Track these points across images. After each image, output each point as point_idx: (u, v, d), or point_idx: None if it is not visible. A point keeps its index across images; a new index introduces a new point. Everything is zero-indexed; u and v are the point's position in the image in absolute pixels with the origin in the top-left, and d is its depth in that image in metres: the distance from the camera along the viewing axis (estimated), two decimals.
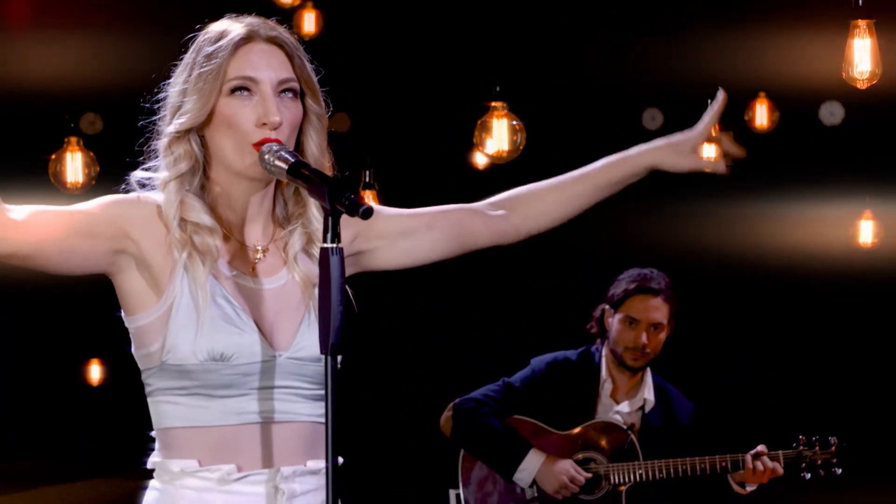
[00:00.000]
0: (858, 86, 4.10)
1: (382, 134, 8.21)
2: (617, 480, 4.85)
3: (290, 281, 2.48)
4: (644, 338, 4.88)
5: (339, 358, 2.33)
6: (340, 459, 2.35)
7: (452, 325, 9.13)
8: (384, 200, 6.53)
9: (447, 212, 2.69)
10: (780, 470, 4.80)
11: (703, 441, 4.91)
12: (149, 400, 2.46)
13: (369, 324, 9.26)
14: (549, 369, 4.97)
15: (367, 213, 2.19)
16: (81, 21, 6.94)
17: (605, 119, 8.10)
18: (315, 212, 2.48)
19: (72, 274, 2.39)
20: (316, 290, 2.33)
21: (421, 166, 8.20)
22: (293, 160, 2.32)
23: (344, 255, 2.23)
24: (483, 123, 5.14)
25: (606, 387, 4.96)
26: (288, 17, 7.02)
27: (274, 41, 2.45)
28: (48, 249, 2.32)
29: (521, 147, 5.08)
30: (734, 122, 7.18)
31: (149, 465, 2.48)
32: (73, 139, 6.58)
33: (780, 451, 4.83)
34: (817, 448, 4.90)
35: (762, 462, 4.77)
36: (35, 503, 8.09)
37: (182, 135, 2.44)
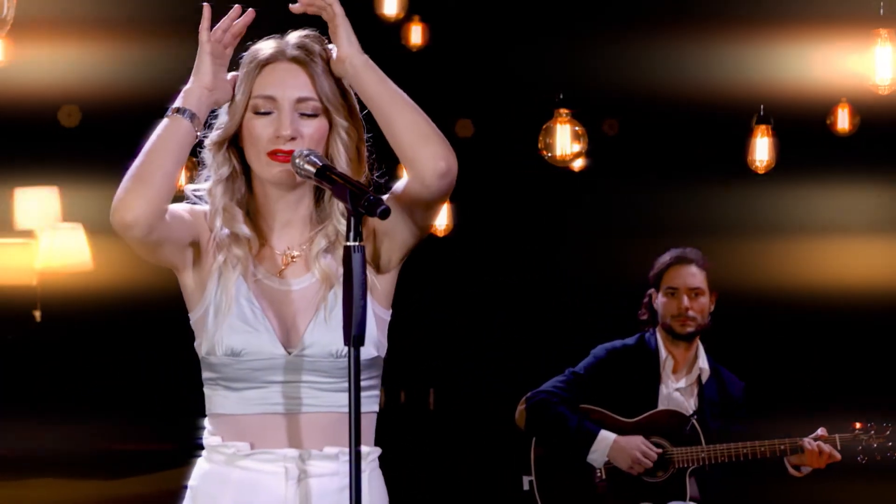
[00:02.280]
0: (880, 92, 4.25)
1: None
2: (681, 464, 4.99)
3: (313, 282, 2.62)
4: (685, 301, 5.08)
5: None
6: (366, 448, 2.58)
7: (516, 321, 9.37)
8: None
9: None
10: (838, 455, 4.91)
11: (754, 417, 5.07)
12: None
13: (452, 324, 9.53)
14: (610, 355, 5.16)
15: (385, 213, 2.34)
16: None
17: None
18: (338, 213, 2.61)
19: (158, 262, 2.61)
20: (332, 290, 2.56)
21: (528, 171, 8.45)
22: (321, 164, 2.48)
23: (366, 253, 2.38)
24: (547, 129, 5.42)
25: (668, 364, 5.12)
26: (394, 31, 7.24)
27: (297, 61, 2.60)
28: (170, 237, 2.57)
29: (583, 152, 5.36)
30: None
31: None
32: None
33: (837, 435, 4.95)
34: (873, 433, 5.00)
35: (820, 446, 4.89)
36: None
37: (219, 144, 2.63)
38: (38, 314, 9.28)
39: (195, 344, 2.63)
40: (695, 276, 5.14)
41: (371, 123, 2.65)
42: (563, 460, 5.12)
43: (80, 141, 9.17)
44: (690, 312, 5.09)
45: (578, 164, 7.36)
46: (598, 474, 5.07)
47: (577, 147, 5.40)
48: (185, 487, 2.68)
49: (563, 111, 5.42)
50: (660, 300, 5.17)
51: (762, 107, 5.52)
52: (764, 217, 8.82)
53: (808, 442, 4.93)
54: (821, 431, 4.96)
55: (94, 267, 8.78)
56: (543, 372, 5.24)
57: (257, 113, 2.59)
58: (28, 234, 9.16)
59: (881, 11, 4.34)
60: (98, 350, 9.02)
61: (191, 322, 2.65)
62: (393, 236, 2.61)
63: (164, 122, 2.54)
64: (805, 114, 7.03)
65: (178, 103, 2.55)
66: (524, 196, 9.45)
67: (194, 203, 2.67)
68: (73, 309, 8.80)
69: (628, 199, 9.20)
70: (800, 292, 8.57)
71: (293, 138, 2.55)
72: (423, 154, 2.52)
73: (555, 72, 7.23)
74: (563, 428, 5.06)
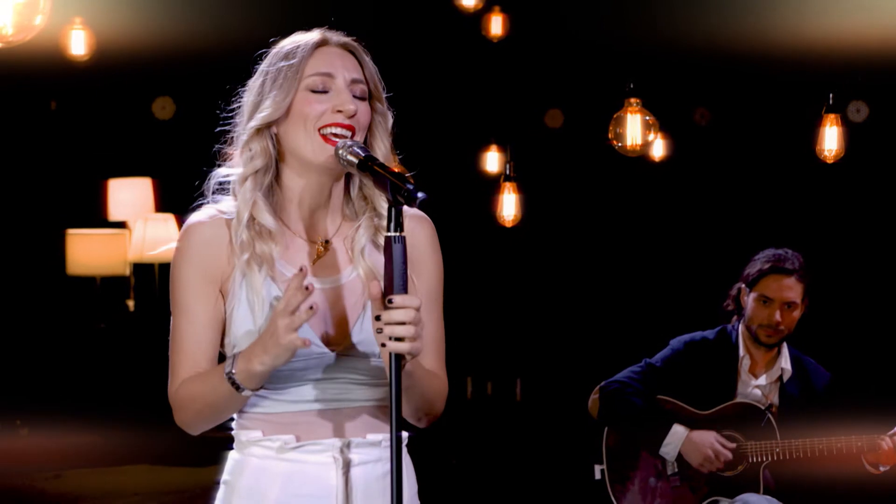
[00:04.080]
0: None
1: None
2: (755, 459, 4.93)
3: (352, 278, 2.59)
4: (778, 315, 4.95)
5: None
6: (406, 434, 2.54)
7: (594, 311, 9.33)
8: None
9: None
10: None
11: (838, 410, 4.96)
12: None
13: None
14: (688, 348, 5.08)
15: (424, 204, 2.34)
16: None
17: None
18: (382, 205, 2.57)
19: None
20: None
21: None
22: (364, 154, 2.46)
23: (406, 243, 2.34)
24: (618, 118, 5.39)
25: (745, 363, 5.04)
26: (474, 21, 7.26)
27: (346, 47, 2.61)
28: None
29: (654, 141, 5.32)
30: None
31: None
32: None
33: None
34: None
35: (895, 442, 4.80)
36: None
37: (260, 131, 2.57)
38: (131, 304, 9.45)
39: (225, 342, 2.60)
40: (792, 288, 4.99)
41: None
42: (635, 450, 5.09)
43: (173, 133, 9.31)
44: (781, 326, 4.98)
45: (659, 153, 7.32)
46: (671, 466, 5.02)
47: (649, 136, 5.36)
48: (218, 483, 2.66)
49: (634, 100, 5.38)
50: (750, 302, 5.04)
51: (831, 95, 5.42)
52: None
53: (884, 440, 4.84)
54: None
55: None
56: (624, 363, 5.20)
57: (314, 91, 2.55)
58: (121, 224, 9.33)
59: None
60: None
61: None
62: None
63: (226, 393, 2.48)
64: None
65: (243, 381, 2.45)
66: (607, 185, 9.43)
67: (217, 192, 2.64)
68: (166, 299, 8.91)
69: (712, 189, 9.14)
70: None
71: (354, 114, 2.54)
72: (413, 420, 2.61)
73: (641, 59, 7.20)
74: (637, 418, 5.03)
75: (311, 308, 2.36)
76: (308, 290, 2.37)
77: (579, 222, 9.61)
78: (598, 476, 5.12)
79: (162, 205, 9.29)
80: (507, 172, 6.19)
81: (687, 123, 9.36)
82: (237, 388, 2.46)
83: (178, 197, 8.42)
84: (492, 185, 6.89)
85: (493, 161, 8.15)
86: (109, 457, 8.47)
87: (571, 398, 5.27)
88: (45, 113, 9.54)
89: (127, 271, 9.16)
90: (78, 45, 7.04)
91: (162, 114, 9.62)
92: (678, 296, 8.58)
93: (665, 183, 9.12)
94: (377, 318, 2.36)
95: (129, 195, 9.30)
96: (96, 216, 9.52)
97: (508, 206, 6.21)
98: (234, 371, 2.45)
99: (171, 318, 2.59)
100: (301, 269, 2.39)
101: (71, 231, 9.34)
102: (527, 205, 6.54)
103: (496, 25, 7.21)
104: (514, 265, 9.74)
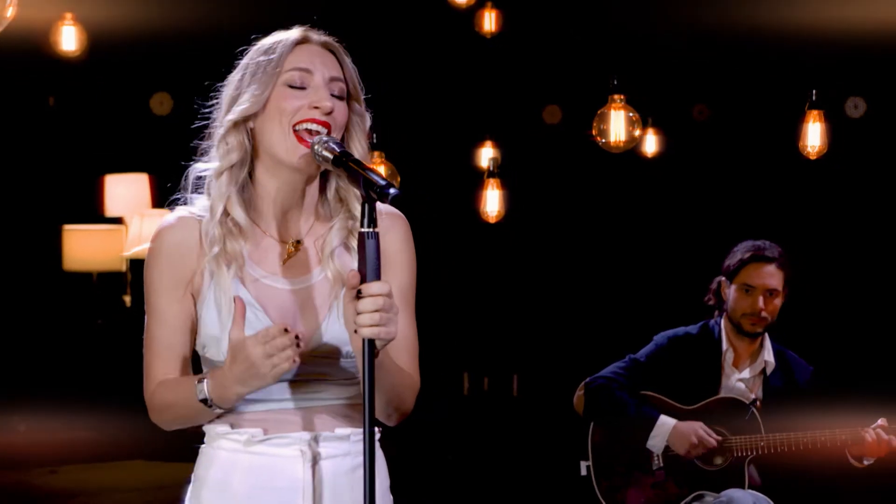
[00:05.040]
0: None
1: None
2: (740, 453, 4.95)
3: (321, 279, 2.60)
4: (760, 302, 4.99)
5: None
6: (378, 429, 2.55)
7: (591, 306, 9.35)
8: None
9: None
10: None
11: (821, 403, 4.98)
12: None
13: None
14: (671, 343, 5.11)
15: (396, 200, 2.32)
16: None
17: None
18: (356, 206, 2.58)
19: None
20: (343, 288, 2.46)
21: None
22: (339, 150, 2.47)
23: (379, 239, 2.34)
24: (601, 115, 5.40)
25: (728, 356, 5.07)
26: (466, 18, 7.29)
27: (326, 46, 2.62)
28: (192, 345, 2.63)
29: (640, 137, 5.33)
30: None
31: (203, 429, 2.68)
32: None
33: None
34: None
35: (879, 434, 4.81)
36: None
37: (238, 124, 2.58)
38: (127, 299, 9.46)
39: (196, 342, 2.62)
40: (773, 276, 5.04)
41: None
42: (620, 446, 5.11)
43: (170, 129, 9.32)
44: (763, 313, 5.02)
45: (652, 149, 7.34)
46: (656, 461, 5.04)
47: (634, 133, 5.37)
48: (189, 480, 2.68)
49: (618, 97, 5.39)
50: (732, 293, 5.09)
51: (814, 92, 5.44)
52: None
53: (868, 432, 4.86)
54: (882, 421, 4.88)
55: None
56: (620, 358, 5.22)
57: (291, 87, 2.56)
58: (118, 220, 9.34)
59: None
60: None
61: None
62: None
63: (196, 406, 2.52)
64: None
65: (214, 398, 2.49)
66: (603, 182, 9.45)
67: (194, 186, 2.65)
68: None
69: (703, 185, 9.16)
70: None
71: (331, 111, 2.55)
72: (383, 417, 2.60)
73: (632, 54, 7.21)
74: (623, 413, 5.05)
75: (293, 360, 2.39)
76: (290, 332, 2.39)
77: (575, 218, 9.65)
78: (583, 472, 5.14)
79: (158, 200, 9.30)
80: (491, 168, 6.21)
81: (681, 120, 9.37)
82: (209, 405, 2.51)
83: (175, 193, 8.54)
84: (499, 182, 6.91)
85: (487, 157, 8.18)
86: (106, 452, 8.52)
87: (567, 393, 5.27)
88: (42, 109, 9.57)
89: (123, 267, 9.17)
90: (69, 41, 7.07)
91: (160, 109, 9.64)
92: (674, 291, 8.59)
93: (656, 179, 9.15)
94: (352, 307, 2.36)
95: (125, 191, 9.32)
96: (93, 212, 9.55)
97: (492, 202, 6.22)
98: (208, 398, 2.50)
99: (146, 318, 2.63)
100: (286, 330, 2.38)
101: (67, 227, 9.36)
102: (522, 201, 6.57)
103: (489, 22, 7.24)
104: (512, 262, 9.77)
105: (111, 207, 9.42)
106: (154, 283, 2.59)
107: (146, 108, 9.61)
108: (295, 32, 2.62)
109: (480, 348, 9.46)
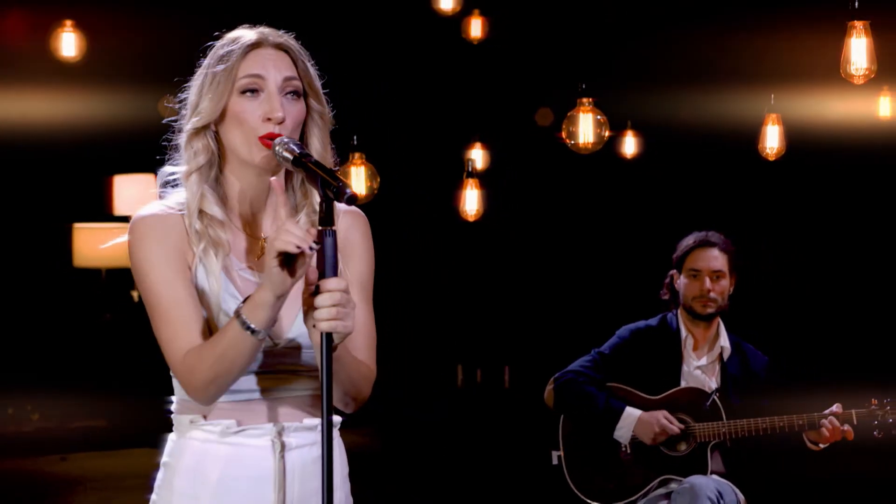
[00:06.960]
0: (854, 82, 4.38)
1: None
2: (703, 439, 5.10)
3: None
4: (707, 283, 5.22)
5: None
6: (338, 418, 2.63)
7: (587, 301, 9.46)
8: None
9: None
10: (851, 435, 5.00)
11: (777, 390, 5.16)
12: None
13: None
14: (633, 336, 5.30)
15: (351, 200, 2.36)
16: None
17: None
18: (317, 200, 2.52)
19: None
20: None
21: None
22: (298, 151, 2.48)
23: (337, 237, 2.37)
24: (570, 117, 5.62)
25: (688, 343, 5.26)
26: (453, 25, 7.31)
27: (280, 47, 2.64)
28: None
29: (606, 138, 5.56)
30: None
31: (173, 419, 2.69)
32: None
33: (854, 410, 5.04)
34: (888, 408, 5.07)
35: (832, 421, 4.97)
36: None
37: (199, 131, 2.62)
38: (135, 295, 9.64)
39: None
40: (717, 258, 5.27)
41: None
42: (589, 436, 5.28)
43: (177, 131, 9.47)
44: (712, 294, 5.23)
45: (631, 151, 7.51)
46: (623, 449, 5.21)
47: (603, 134, 5.58)
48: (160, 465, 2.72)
49: (586, 100, 5.61)
50: (682, 281, 5.31)
51: (772, 95, 5.64)
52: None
53: (823, 422, 5.01)
54: (836, 407, 5.04)
55: None
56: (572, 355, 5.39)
57: (244, 93, 2.59)
58: (126, 219, 9.51)
59: (856, 5, 4.42)
60: None
61: None
62: None
63: (236, 337, 2.46)
64: None
65: (249, 319, 2.43)
66: (600, 184, 9.55)
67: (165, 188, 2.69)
68: None
69: (654, 184, 9.26)
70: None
71: (283, 120, 2.56)
72: (341, 405, 2.63)
73: (595, 61, 7.30)
74: (591, 406, 5.21)
75: (311, 248, 2.38)
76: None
77: (570, 216, 9.71)
78: (555, 462, 5.30)
79: None
80: (469, 169, 6.36)
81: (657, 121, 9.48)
82: (246, 326, 2.44)
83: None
84: (478, 182, 7.05)
85: (478, 159, 8.30)
86: (114, 441, 8.74)
87: (525, 391, 5.43)
88: (52, 111, 9.74)
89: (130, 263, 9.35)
90: (68, 47, 7.20)
91: (167, 112, 9.82)
92: (656, 285, 8.77)
93: (635, 179, 9.27)
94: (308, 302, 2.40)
95: (133, 191, 9.47)
96: (102, 211, 9.73)
97: (471, 201, 6.37)
98: (241, 306, 2.45)
99: (150, 301, 2.58)
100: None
101: (77, 225, 9.58)
102: (512, 201, 6.65)
103: (476, 28, 7.31)
104: (506, 260, 9.85)
105: (120, 207, 9.58)
106: (152, 258, 2.56)
107: (154, 111, 9.76)
108: (251, 35, 2.63)
109: (474, 342, 9.58)
